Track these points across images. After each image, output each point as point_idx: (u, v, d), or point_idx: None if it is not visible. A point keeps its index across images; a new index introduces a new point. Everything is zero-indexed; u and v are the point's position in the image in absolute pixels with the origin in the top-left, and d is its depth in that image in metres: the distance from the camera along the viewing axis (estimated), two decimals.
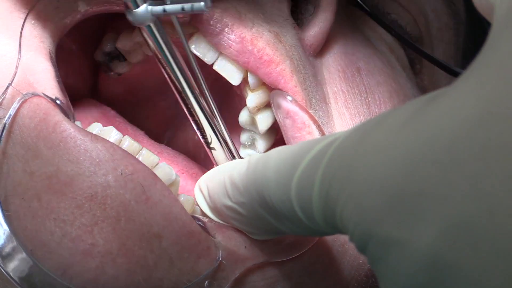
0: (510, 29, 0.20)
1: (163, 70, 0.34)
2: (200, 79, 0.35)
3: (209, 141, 0.36)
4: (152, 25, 0.32)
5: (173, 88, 0.35)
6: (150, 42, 0.33)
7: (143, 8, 0.31)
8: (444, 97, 0.20)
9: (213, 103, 0.36)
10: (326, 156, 0.24)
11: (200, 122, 0.36)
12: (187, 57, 0.34)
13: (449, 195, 0.18)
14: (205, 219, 0.34)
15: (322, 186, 0.24)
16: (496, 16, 0.22)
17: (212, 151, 0.37)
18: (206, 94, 0.35)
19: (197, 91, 0.35)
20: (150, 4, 0.32)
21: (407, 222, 0.19)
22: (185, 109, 0.36)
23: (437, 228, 0.18)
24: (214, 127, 0.36)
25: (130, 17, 0.32)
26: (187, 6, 0.31)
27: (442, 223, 0.18)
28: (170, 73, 0.34)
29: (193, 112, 0.35)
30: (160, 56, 0.34)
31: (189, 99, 0.35)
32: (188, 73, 0.34)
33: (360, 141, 0.23)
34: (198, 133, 0.36)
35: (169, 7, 0.31)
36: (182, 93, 0.35)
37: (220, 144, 0.37)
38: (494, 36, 0.21)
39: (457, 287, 0.18)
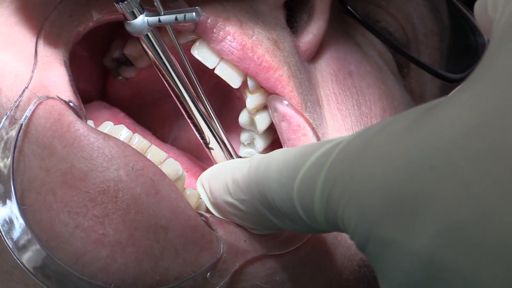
0: (506, 46, 0.20)
1: (161, 77, 0.36)
2: (196, 84, 0.36)
3: (208, 141, 0.38)
4: (149, 34, 0.34)
5: (172, 93, 0.36)
6: (148, 51, 0.35)
7: (140, 19, 0.33)
8: (442, 107, 0.21)
9: (209, 106, 0.37)
10: (329, 159, 0.25)
11: (198, 124, 0.37)
12: (183, 63, 0.36)
13: (445, 198, 0.19)
14: (208, 215, 0.34)
15: (324, 187, 0.25)
16: (494, 32, 0.23)
17: (211, 151, 0.38)
18: (202, 98, 0.37)
19: (194, 96, 0.36)
20: (147, 15, 0.33)
21: (406, 223, 0.20)
22: (184, 113, 0.37)
23: (433, 229, 0.19)
24: (212, 129, 0.37)
25: (128, 28, 0.34)
26: (180, 16, 0.33)
27: (438, 224, 0.19)
28: (169, 79, 0.35)
29: (191, 115, 0.37)
30: (158, 63, 0.35)
31: (187, 103, 0.36)
32: (185, 78, 0.36)
33: (362, 146, 0.23)
34: (197, 134, 0.38)
35: (164, 18, 0.33)
36: (180, 97, 0.36)
37: (218, 144, 0.38)
38: (491, 51, 0.21)
39: (451, 285, 0.19)
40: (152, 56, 0.35)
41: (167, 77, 0.35)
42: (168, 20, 0.33)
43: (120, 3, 0.32)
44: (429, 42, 0.51)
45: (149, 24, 0.33)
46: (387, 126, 0.23)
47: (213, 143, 0.38)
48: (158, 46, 0.34)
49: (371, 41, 0.48)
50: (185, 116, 0.37)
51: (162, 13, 0.33)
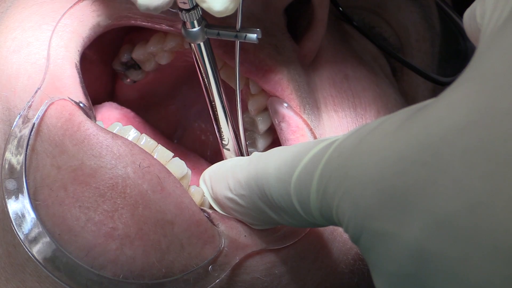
0: (492, 49, 0.21)
1: (201, 81, 0.36)
2: (238, 95, 0.37)
3: (226, 142, 0.39)
4: (202, 44, 0.34)
5: (206, 96, 0.37)
6: (197, 57, 0.35)
7: (199, 28, 0.33)
8: (433, 106, 0.21)
9: (241, 115, 0.38)
10: (324, 156, 0.26)
11: (222, 127, 0.38)
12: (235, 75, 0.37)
13: (434, 193, 0.19)
14: (210, 211, 0.35)
15: (320, 183, 0.25)
16: (481, 37, 0.25)
17: (226, 150, 0.39)
18: (237, 106, 0.38)
19: (226, 103, 0.37)
20: (206, 26, 0.34)
21: (397, 216, 0.20)
22: (211, 114, 0.38)
23: (423, 222, 0.19)
24: (233, 133, 0.38)
25: (184, 34, 0.34)
26: (240, 35, 0.33)
27: (427, 218, 0.19)
28: (207, 85, 0.36)
29: (218, 118, 0.38)
30: (202, 70, 0.36)
31: (217, 108, 0.37)
32: (222, 88, 0.37)
33: (356, 143, 0.24)
34: (218, 135, 0.39)
35: (223, 32, 0.33)
36: (212, 102, 0.37)
37: (234, 147, 0.39)
38: (479, 54, 0.22)
39: (439, 274, 0.19)
40: (199, 62, 0.35)
41: (207, 83, 0.36)
42: (227, 36, 0.33)
43: (184, 11, 0.33)
44: (421, 47, 0.52)
45: (207, 35, 0.34)
46: (380, 124, 0.23)
47: (230, 145, 0.39)
48: (207, 56, 0.35)
49: (366, 46, 0.48)
50: (212, 117, 0.38)
51: (222, 28, 0.33)
